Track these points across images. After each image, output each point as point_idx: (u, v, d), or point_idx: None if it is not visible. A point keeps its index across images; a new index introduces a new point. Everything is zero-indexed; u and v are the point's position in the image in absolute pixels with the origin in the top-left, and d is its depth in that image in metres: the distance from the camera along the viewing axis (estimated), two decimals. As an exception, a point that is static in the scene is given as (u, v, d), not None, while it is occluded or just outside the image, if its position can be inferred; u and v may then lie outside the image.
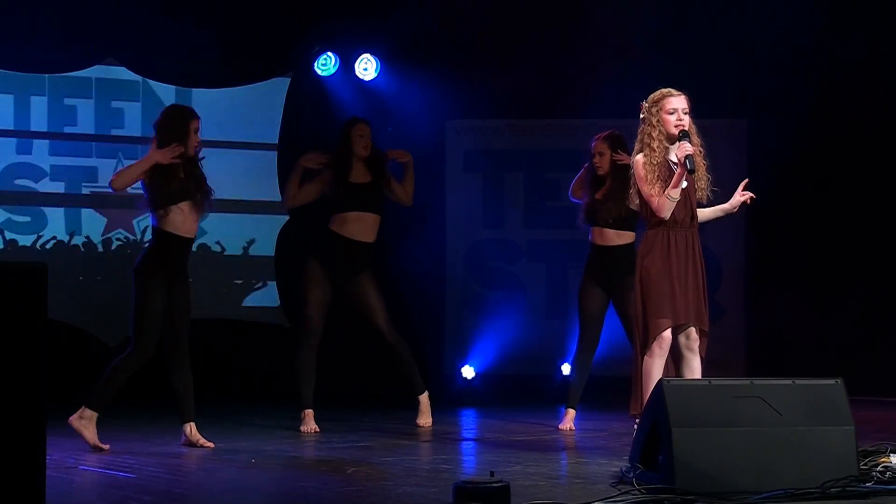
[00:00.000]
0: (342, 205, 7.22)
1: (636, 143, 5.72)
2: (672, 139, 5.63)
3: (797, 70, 9.39)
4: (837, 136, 9.37)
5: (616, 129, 7.17)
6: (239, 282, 9.66)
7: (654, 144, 5.61)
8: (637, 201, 5.71)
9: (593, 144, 7.18)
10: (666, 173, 5.59)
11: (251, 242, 9.65)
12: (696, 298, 5.62)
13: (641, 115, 5.69)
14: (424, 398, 7.40)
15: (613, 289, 7.07)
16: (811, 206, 9.49)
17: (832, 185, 9.42)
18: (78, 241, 9.20)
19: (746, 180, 5.80)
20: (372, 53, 9.64)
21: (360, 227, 7.21)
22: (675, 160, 5.61)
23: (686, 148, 5.51)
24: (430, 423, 7.36)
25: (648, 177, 5.59)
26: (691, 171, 5.51)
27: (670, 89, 5.67)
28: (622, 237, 7.07)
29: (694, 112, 5.70)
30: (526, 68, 9.69)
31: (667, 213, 5.58)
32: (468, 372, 9.71)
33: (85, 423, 6.19)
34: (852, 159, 9.36)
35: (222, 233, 9.58)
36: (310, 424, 7.15)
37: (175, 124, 6.29)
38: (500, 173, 10.01)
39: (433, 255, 9.87)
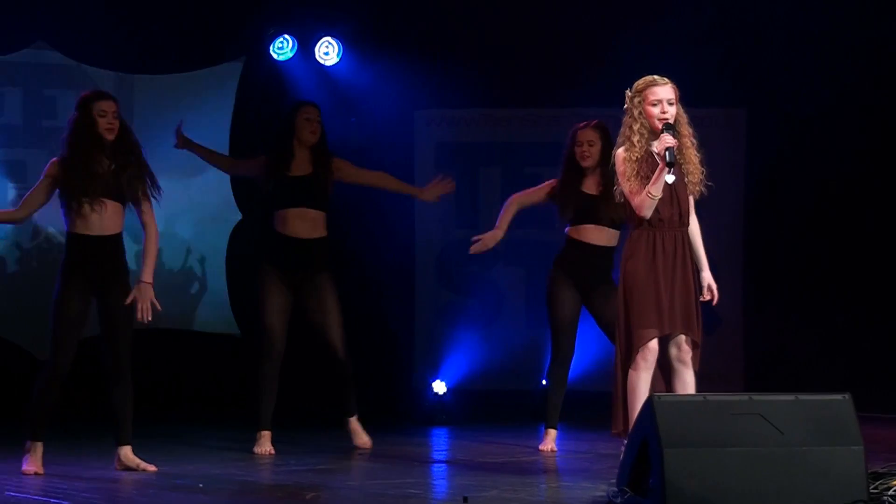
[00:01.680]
0: (280, 200, 7.20)
1: (619, 136, 5.74)
2: (656, 133, 5.64)
3: (800, 55, 9.34)
4: (844, 126, 9.36)
5: (601, 120, 7.20)
6: (186, 288, 9.59)
7: (636, 138, 5.63)
8: (621, 199, 5.72)
9: (578, 132, 7.17)
10: (648, 169, 5.61)
11: (200, 245, 9.60)
12: (685, 306, 5.64)
13: (625, 106, 5.71)
14: (355, 420, 7.35)
15: (590, 293, 7.10)
16: (816, 203, 9.48)
17: (838, 181, 9.40)
18: (5, 246, 9.13)
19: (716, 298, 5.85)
20: (333, 36, 9.60)
21: (303, 224, 7.18)
22: (657, 153, 5.61)
23: (667, 140, 5.53)
24: (369, 443, 7.30)
25: (629, 173, 5.61)
26: (670, 165, 5.52)
27: (655, 77, 5.69)
28: (614, 238, 7.12)
29: (687, 100, 5.73)
30: (504, 53, 9.67)
31: (647, 212, 5.60)
32: (439, 387, 9.68)
33: (32, 456, 6.15)
34: (860, 152, 9.34)
35: (167, 235, 9.51)
36: (265, 446, 7.10)
37: (78, 117, 6.20)
38: (474, 168, 9.96)
39: (401, 259, 9.85)
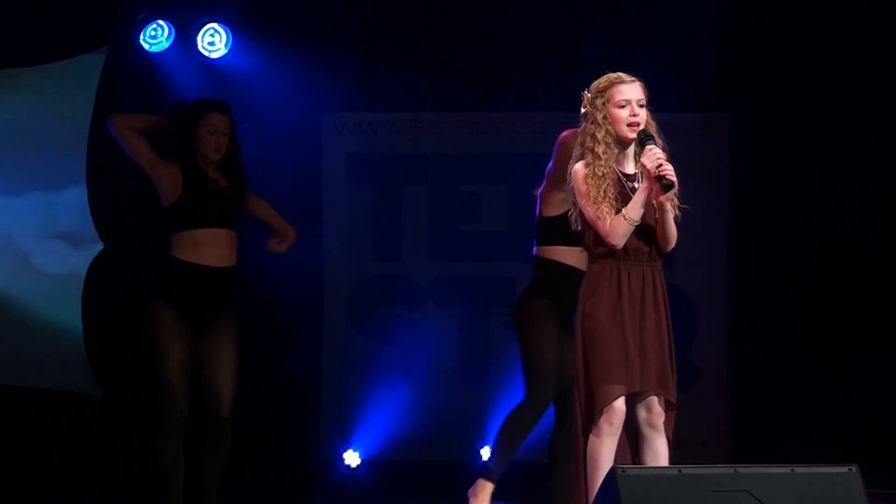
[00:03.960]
0: (192, 219, 7.15)
1: (576, 146, 5.75)
2: (623, 142, 5.69)
3: (793, 51, 9.43)
4: (844, 132, 9.41)
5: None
6: (31, 334, 9.49)
7: (600, 149, 5.65)
8: (579, 225, 5.75)
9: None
10: (616, 188, 5.64)
11: (49, 280, 9.50)
12: (658, 357, 5.66)
13: (583, 109, 5.74)
14: None
15: (565, 329, 7.01)
16: (816, 226, 9.50)
17: (841, 197, 9.42)
18: None
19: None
20: (220, 22, 9.48)
21: (215, 249, 7.20)
22: (631, 172, 5.67)
23: (656, 155, 5.54)
24: None
25: (591, 193, 5.62)
26: (667, 188, 5.53)
27: (620, 74, 5.73)
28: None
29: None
30: (432, 43, 9.65)
31: (621, 241, 5.62)
32: (352, 458, 9.64)
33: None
34: (864, 161, 9.38)
35: (5, 264, 9.43)
36: None
37: None
38: (396, 185, 9.97)
39: (305, 298, 9.75)
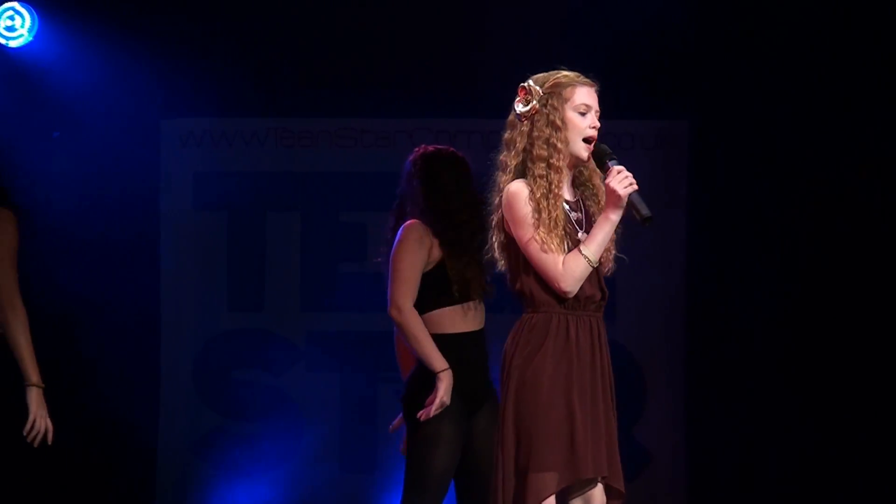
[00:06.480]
0: None
1: (507, 158, 5.65)
2: (577, 160, 5.63)
3: (756, 53, 9.69)
4: (811, 141, 9.66)
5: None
6: None
7: (560, 161, 5.55)
8: (504, 262, 5.66)
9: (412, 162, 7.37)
10: (566, 215, 5.59)
11: None
12: (609, 436, 5.59)
13: (522, 108, 5.62)
14: None
15: (472, 416, 7.15)
16: (792, 254, 9.68)
17: (821, 216, 9.63)
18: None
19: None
20: (22, 2, 9.54)
21: None
22: (572, 199, 5.65)
23: (628, 178, 5.45)
24: None
25: (531, 218, 5.50)
26: (647, 220, 5.47)
27: (578, 73, 5.66)
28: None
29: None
30: (305, 30, 9.71)
31: (574, 286, 5.51)
32: (198, 568, 9.58)
33: None
34: (837, 172, 9.62)
35: None
36: None
37: None
38: (259, 212, 10.02)
39: (136, 358, 9.61)
